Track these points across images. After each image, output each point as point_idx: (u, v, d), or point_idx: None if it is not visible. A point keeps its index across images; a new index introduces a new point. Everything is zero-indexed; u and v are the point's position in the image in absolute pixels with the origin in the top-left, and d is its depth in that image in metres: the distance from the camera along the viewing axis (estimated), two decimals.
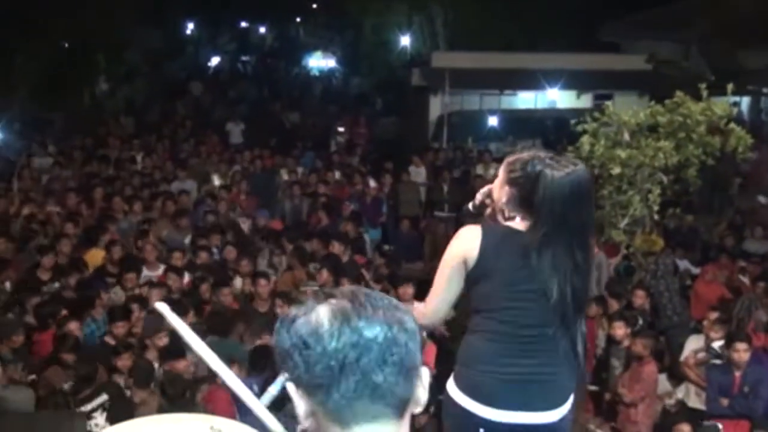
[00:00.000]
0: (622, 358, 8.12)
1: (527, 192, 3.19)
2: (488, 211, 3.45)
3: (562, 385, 3.28)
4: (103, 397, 6.74)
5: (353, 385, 1.58)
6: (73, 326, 7.85)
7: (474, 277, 3.25)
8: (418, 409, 1.68)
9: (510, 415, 3.18)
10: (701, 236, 12.48)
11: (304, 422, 1.65)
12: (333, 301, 1.63)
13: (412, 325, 1.65)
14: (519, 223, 3.25)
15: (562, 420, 3.27)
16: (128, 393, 6.97)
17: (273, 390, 1.92)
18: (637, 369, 7.81)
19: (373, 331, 1.58)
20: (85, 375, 6.89)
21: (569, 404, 3.30)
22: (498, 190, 3.33)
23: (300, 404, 1.64)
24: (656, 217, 10.29)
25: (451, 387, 3.30)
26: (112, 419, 6.38)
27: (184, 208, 12.82)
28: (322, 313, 1.61)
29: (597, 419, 8.65)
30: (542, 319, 3.18)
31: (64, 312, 8.22)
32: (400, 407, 1.64)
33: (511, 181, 3.25)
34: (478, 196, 3.52)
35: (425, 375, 1.68)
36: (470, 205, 3.57)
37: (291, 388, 1.64)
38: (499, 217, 3.35)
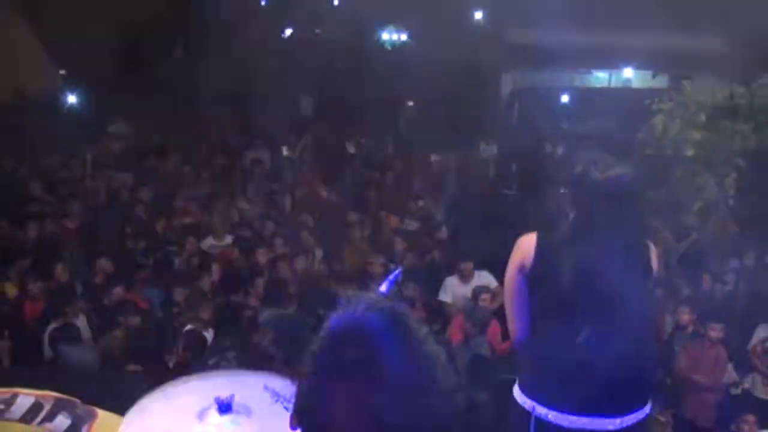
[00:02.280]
0: (687, 345, 7.99)
1: (573, 193, 3.23)
2: None
3: (631, 389, 3.21)
4: None
5: None
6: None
7: (531, 282, 3.25)
8: None
9: (576, 420, 3.15)
10: None
11: None
12: None
13: None
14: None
15: (635, 426, 3.20)
16: None
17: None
18: (704, 353, 7.69)
19: None
20: None
21: (644, 411, 3.23)
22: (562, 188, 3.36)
23: None
24: (731, 202, 10.07)
25: (517, 392, 3.29)
26: None
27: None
28: None
29: (657, 406, 8.53)
30: (598, 322, 3.13)
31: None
32: None
33: (564, 182, 3.30)
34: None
35: None
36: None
37: None
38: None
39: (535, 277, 3.23)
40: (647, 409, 3.23)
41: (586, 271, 3.12)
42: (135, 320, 7.72)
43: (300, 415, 1.52)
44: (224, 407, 2.33)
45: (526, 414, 3.20)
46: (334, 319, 1.51)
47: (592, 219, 3.16)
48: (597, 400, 3.13)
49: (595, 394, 3.12)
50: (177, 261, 9.70)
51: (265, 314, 7.67)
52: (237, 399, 2.36)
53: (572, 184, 3.24)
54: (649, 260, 3.31)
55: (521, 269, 3.26)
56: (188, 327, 7.58)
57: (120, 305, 8.05)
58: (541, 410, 3.17)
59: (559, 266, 3.16)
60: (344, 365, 1.45)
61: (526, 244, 3.26)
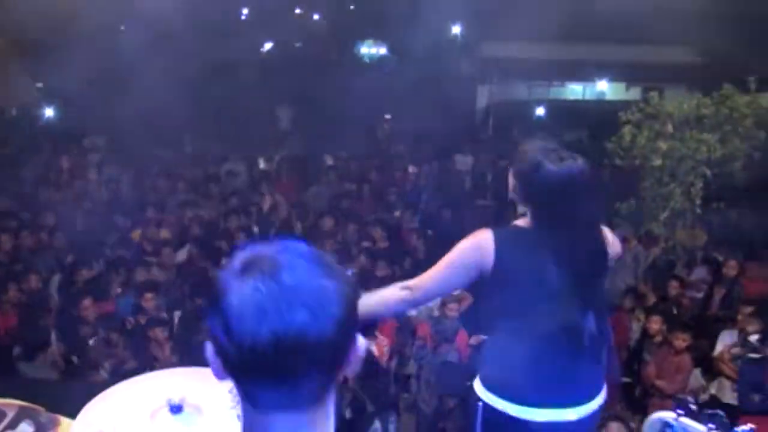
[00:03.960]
0: (655, 352, 8.06)
1: (527, 186, 3.19)
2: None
3: (589, 380, 3.24)
4: None
5: None
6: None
7: (493, 283, 3.20)
8: None
9: (541, 413, 3.15)
10: (746, 232, 12.26)
11: None
12: None
13: None
14: (526, 220, 3.24)
15: (592, 416, 3.23)
16: None
17: None
18: (672, 360, 7.75)
19: None
20: None
21: (600, 400, 3.25)
22: (510, 182, 3.31)
23: None
24: (698, 211, 10.19)
25: (479, 387, 3.27)
26: None
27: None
28: None
29: (627, 412, 8.59)
30: (561, 316, 3.13)
31: None
32: None
33: (515, 175, 3.25)
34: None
35: None
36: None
37: None
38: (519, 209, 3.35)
39: (497, 277, 3.17)
40: (599, 402, 3.25)
41: (554, 265, 3.12)
42: (105, 330, 7.70)
43: None
44: (175, 408, 2.35)
45: (485, 407, 3.21)
46: None
47: (545, 212, 3.15)
48: (553, 392, 3.15)
49: (557, 386, 3.14)
50: (152, 270, 9.66)
51: None
52: (189, 399, 2.39)
53: (524, 178, 3.20)
54: (604, 248, 3.27)
55: (477, 267, 3.19)
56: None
57: (91, 315, 8.01)
58: (497, 402, 3.18)
59: (519, 262, 3.16)
60: None
61: (485, 244, 3.18)
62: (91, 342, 7.61)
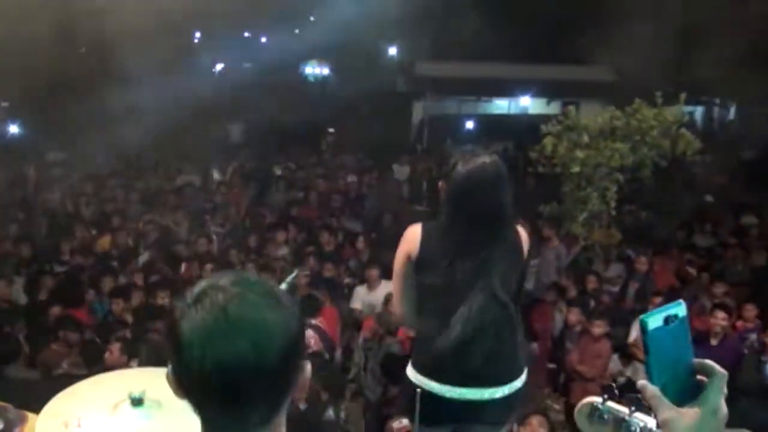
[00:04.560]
0: (576, 340, 8.16)
1: (447, 185, 3.25)
2: None
3: (506, 363, 3.24)
4: None
5: None
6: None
7: (417, 268, 3.25)
8: None
9: (463, 392, 3.17)
10: (655, 231, 12.51)
11: None
12: None
13: None
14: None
15: (512, 396, 3.24)
16: None
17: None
18: (591, 348, 7.85)
19: None
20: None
21: (519, 382, 3.26)
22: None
23: None
24: (613, 212, 10.34)
25: (410, 369, 3.29)
26: None
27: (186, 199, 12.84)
28: None
29: (554, 395, 8.70)
30: (475, 304, 3.14)
31: None
32: None
33: (443, 176, 3.31)
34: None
35: None
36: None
37: None
38: None
39: (419, 263, 3.23)
40: (520, 382, 3.26)
41: (459, 255, 3.16)
42: (73, 335, 7.50)
43: None
44: (136, 401, 2.32)
45: (414, 387, 3.22)
46: None
47: (459, 206, 3.19)
48: (475, 373, 3.16)
49: (472, 367, 3.15)
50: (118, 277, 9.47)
51: None
52: (149, 394, 2.35)
53: (445, 180, 3.26)
54: (517, 241, 3.30)
55: (408, 257, 3.26)
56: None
57: (58, 321, 7.79)
58: (426, 383, 3.20)
59: (436, 252, 3.19)
60: None
61: (412, 235, 3.27)
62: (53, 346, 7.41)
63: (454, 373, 3.17)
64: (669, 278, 10.19)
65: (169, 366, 1.40)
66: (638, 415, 2.13)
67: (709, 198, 14.49)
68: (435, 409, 3.21)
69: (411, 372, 3.27)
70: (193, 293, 1.39)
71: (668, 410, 1.29)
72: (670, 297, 8.79)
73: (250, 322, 1.34)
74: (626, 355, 8.50)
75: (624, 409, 2.20)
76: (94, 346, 7.13)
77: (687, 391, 1.32)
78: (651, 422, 2.05)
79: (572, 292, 9.14)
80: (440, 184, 3.32)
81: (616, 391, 2.32)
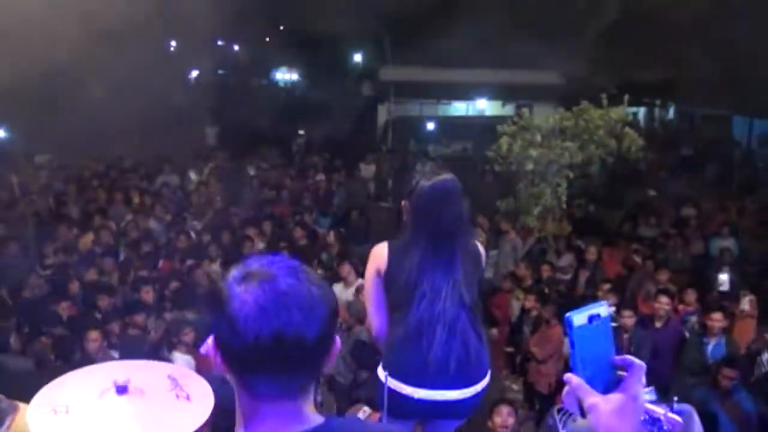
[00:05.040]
0: (531, 325, 8.23)
1: (410, 201, 3.24)
2: None
3: (470, 366, 3.21)
4: None
5: None
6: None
7: (386, 282, 3.25)
8: None
9: (428, 393, 3.16)
10: (603, 223, 12.66)
11: None
12: None
13: None
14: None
15: (475, 397, 3.23)
16: None
17: None
18: (546, 332, 7.92)
19: None
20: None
21: (484, 383, 3.25)
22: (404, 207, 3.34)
23: None
24: (564, 206, 10.43)
25: (381, 372, 3.26)
26: None
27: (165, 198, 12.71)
28: None
29: (512, 376, 8.77)
30: (439, 309, 3.15)
31: None
32: None
33: (407, 195, 3.28)
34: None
35: None
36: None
37: None
38: None
39: (388, 278, 3.24)
40: (485, 382, 3.25)
41: (421, 265, 3.16)
42: (58, 329, 7.42)
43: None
44: (121, 389, 2.30)
45: (385, 388, 3.20)
46: None
47: (421, 220, 3.19)
48: (445, 376, 3.15)
49: (443, 370, 3.14)
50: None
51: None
52: (133, 383, 2.33)
53: (408, 195, 3.26)
54: (476, 250, 3.34)
55: (378, 273, 3.27)
56: None
57: (46, 316, 7.69)
58: (396, 385, 3.19)
59: (403, 265, 3.20)
60: None
61: (380, 252, 3.27)
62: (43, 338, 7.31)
63: (425, 377, 3.16)
64: (616, 267, 10.32)
65: (212, 341, 1.43)
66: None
67: (652, 192, 14.69)
68: (403, 404, 3.21)
69: (382, 375, 3.25)
70: (237, 274, 1.41)
71: (593, 396, 1.32)
72: (617, 284, 8.94)
73: (299, 295, 1.38)
74: None
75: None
76: (67, 340, 7.06)
77: (610, 384, 1.35)
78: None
79: (528, 281, 9.22)
80: (403, 203, 3.31)
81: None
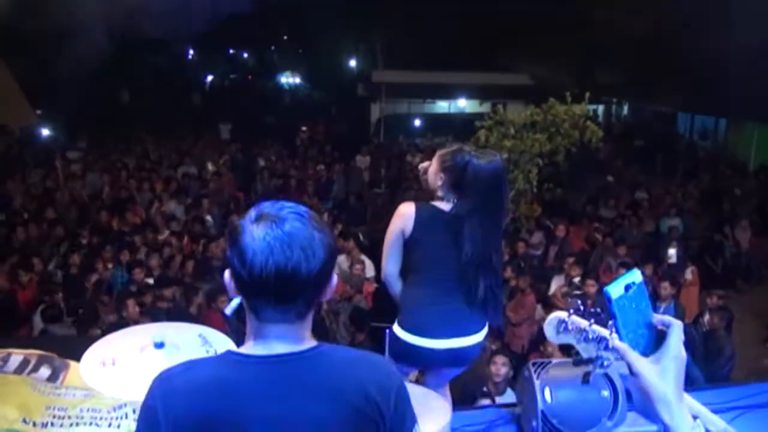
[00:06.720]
0: (509, 293, 8.28)
1: (456, 177, 3.14)
2: (423, 182, 3.35)
3: (477, 318, 3.21)
4: None
5: None
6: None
7: (410, 244, 3.19)
8: None
9: (443, 342, 3.16)
10: (569, 205, 12.70)
11: None
12: None
13: None
14: (444, 204, 3.19)
15: (478, 345, 3.24)
16: None
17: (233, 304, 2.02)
18: (521, 299, 7.98)
19: None
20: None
21: (484, 333, 3.25)
22: (433, 176, 3.23)
23: None
24: (535, 190, 10.46)
25: (397, 328, 3.23)
26: None
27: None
28: None
29: (490, 338, 8.80)
30: (461, 273, 3.13)
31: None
32: None
33: (444, 169, 3.18)
34: (421, 167, 3.39)
35: None
36: (420, 167, 3.41)
37: None
38: (439, 193, 3.24)
39: (412, 240, 3.17)
40: (482, 335, 3.26)
41: (463, 241, 3.10)
42: (103, 298, 7.44)
43: None
44: (158, 344, 2.34)
45: (407, 345, 3.18)
46: None
47: (480, 196, 3.10)
48: (455, 328, 3.16)
49: (453, 324, 3.15)
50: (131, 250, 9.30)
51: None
52: (169, 340, 2.37)
53: (455, 172, 3.15)
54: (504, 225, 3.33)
55: (402, 233, 3.19)
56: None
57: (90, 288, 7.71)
58: (411, 338, 3.17)
59: (437, 235, 3.13)
60: None
61: (408, 213, 3.17)
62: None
63: (443, 330, 3.15)
64: (580, 243, 10.38)
65: (229, 272, 1.47)
66: (595, 327, 2.17)
67: (610, 178, 14.75)
68: (413, 354, 3.17)
69: (400, 332, 3.20)
70: (253, 215, 1.45)
71: (639, 360, 1.30)
72: (581, 258, 8.99)
73: (302, 237, 1.42)
74: (548, 305, 8.65)
75: (585, 322, 2.24)
76: (90, 310, 7.08)
77: (651, 343, 1.32)
78: (605, 332, 2.08)
79: (505, 256, 9.25)
80: (437, 175, 3.20)
81: (581, 308, 2.36)
